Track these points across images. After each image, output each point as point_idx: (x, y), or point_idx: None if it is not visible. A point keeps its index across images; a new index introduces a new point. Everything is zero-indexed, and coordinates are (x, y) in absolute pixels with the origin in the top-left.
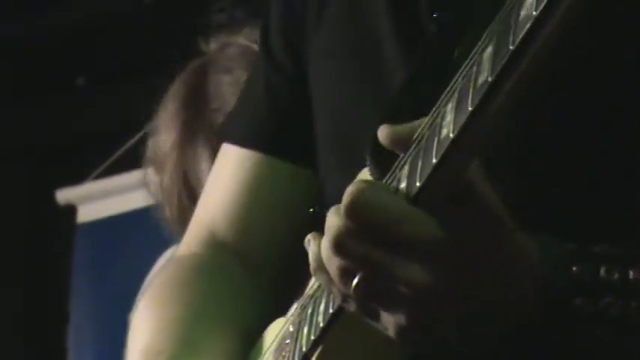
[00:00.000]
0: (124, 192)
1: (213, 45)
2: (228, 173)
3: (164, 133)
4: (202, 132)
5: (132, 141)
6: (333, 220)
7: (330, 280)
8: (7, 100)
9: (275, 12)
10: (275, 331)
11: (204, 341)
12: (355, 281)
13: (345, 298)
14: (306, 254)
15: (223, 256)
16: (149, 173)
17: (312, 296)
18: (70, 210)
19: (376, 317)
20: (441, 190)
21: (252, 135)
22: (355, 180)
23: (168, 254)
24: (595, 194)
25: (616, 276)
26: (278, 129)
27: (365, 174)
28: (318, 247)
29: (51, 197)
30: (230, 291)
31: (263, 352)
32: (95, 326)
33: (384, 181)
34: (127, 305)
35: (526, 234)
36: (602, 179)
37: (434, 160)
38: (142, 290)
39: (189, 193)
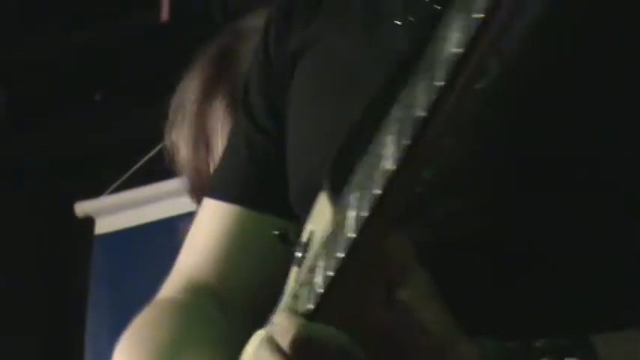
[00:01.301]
0: (140, 205)
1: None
2: (211, 223)
3: (186, 88)
4: (222, 91)
5: (148, 155)
6: (263, 354)
7: None
8: (28, 115)
9: (254, 68)
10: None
11: None
12: None
13: None
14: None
15: (200, 297)
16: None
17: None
18: (88, 222)
19: None
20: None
21: (234, 190)
22: (279, 313)
23: None
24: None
25: None
26: (258, 184)
27: (323, 199)
28: None
29: (69, 210)
30: (207, 327)
31: None
32: (111, 335)
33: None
34: None
35: (465, 340)
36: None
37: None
38: None
39: (206, 147)
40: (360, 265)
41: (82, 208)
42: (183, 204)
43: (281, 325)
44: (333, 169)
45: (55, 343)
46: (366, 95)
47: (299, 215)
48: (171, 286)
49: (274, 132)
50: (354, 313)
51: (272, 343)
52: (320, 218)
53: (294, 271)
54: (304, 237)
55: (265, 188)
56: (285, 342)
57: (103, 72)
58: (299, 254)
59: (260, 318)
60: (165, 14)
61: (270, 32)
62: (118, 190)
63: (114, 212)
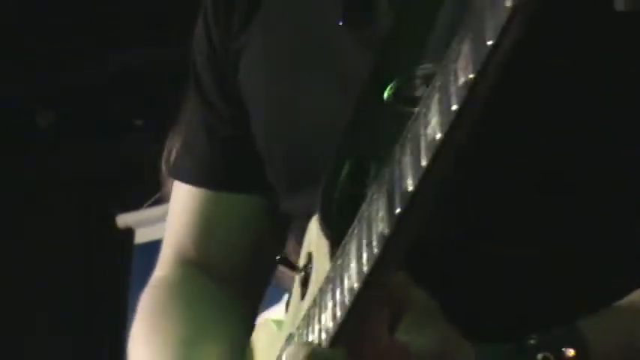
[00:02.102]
0: None
1: None
2: (184, 204)
3: None
4: None
5: None
6: None
7: None
8: (75, 138)
9: (198, 49)
10: (263, 335)
11: (198, 355)
12: None
13: None
14: (262, 261)
15: (190, 271)
16: None
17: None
18: (129, 233)
19: None
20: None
21: (197, 173)
22: (293, 344)
23: None
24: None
25: (554, 356)
26: (219, 166)
27: (314, 223)
28: None
29: (112, 222)
30: (203, 298)
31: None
32: None
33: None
34: None
35: (466, 346)
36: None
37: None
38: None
39: None
40: (364, 305)
41: (123, 220)
42: None
43: (289, 352)
44: (322, 204)
45: (98, 343)
46: (331, 91)
47: (277, 188)
48: (164, 263)
49: (225, 110)
50: (362, 344)
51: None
52: (316, 246)
53: (296, 294)
54: (302, 260)
55: (226, 169)
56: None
57: (142, 98)
58: (301, 274)
59: (241, 280)
60: None
61: (208, 17)
62: (155, 203)
63: (152, 224)
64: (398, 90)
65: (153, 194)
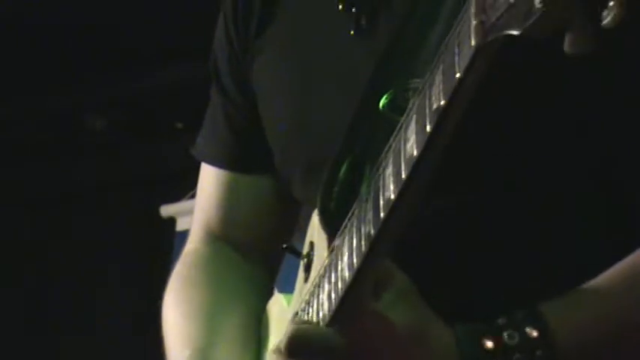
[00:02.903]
0: None
1: None
2: (210, 184)
3: None
4: None
5: None
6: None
7: None
8: (124, 141)
9: (218, 45)
10: (276, 308)
11: (221, 324)
12: None
13: None
14: (278, 235)
15: (217, 243)
16: None
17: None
18: (171, 222)
19: None
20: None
21: (220, 157)
22: (290, 324)
23: None
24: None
25: (517, 337)
26: (238, 150)
27: (315, 219)
28: None
29: (156, 212)
30: (228, 269)
31: (269, 326)
32: None
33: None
34: None
35: (441, 326)
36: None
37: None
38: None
39: None
40: (354, 291)
41: (166, 210)
42: None
43: (291, 330)
44: (322, 200)
45: (148, 312)
46: (322, 96)
47: (290, 178)
48: (194, 238)
49: (244, 107)
50: (352, 314)
51: (275, 345)
52: (317, 236)
53: (301, 277)
54: (305, 248)
55: (244, 154)
56: (282, 344)
57: (184, 104)
58: (304, 260)
59: (261, 252)
60: None
61: (227, 18)
62: (193, 196)
63: (191, 213)
64: (393, 100)
65: (191, 188)
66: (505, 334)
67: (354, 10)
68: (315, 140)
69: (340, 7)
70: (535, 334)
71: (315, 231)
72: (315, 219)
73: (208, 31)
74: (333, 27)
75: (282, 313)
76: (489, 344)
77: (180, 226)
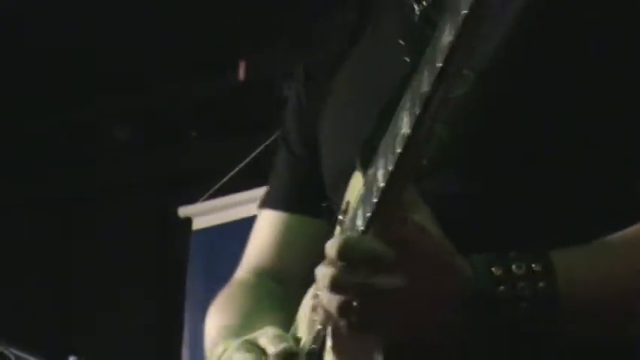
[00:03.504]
0: (224, 209)
1: None
2: (265, 225)
3: None
4: None
5: (229, 175)
6: (324, 270)
7: (329, 315)
8: (146, 148)
9: (290, 111)
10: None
11: (254, 323)
12: (355, 306)
13: (344, 325)
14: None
15: (264, 278)
16: None
17: None
18: (188, 221)
19: (369, 329)
20: (386, 223)
21: (278, 201)
22: (335, 236)
23: None
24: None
25: (523, 268)
26: (297, 195)
27: (356, 175)
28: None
29: (174, 212)
30: (268, 299)
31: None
32: (206, 302)
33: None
34: None
35: (461, 256)
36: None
37: (374, 200)
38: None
39: None
40: (387, 204)
41: (183, 211)
42: (255, 209)
43: (329, 243)
44: (362, 154)
45: (164, 305)
46: (376, 107)
47: (332, 195)
48: (243, 270)
49: (307, 158)
50: (385, 232)
51: (325, 258)
52: (354, 191)
53: (337, 230)
54: (343, 206)
55: (302, 198)
56: (332, 252)
57: (199, 116)
58: (340, 217)
59: (305, 287)
60: (241, 75)
61: (299, 88)
62: (207, 198)
63: (205, 214)
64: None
65: (206, 191)
66: (513, 265)
67: (411, 42)
68: (353, 162)
69: (402, 42)
70: (539, 268)
71: (352, 189)
72: (352, 182)
73: (219, 52)
74: (394, 58)
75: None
76: (498, 272)
77: (196, 225)
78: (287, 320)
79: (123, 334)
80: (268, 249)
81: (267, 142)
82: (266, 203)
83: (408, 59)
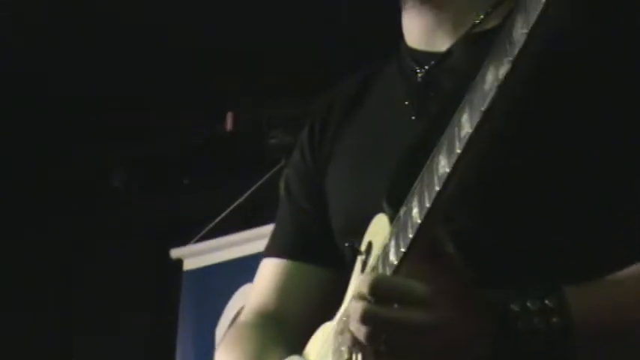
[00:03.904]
0: (212, 251)
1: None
2: (269, 272)
3: None
4: None
5: (218, 219)
6: (356, 304)
7: (358, 343)
8: (140, 194)
9: (293, 167)
10: (318, 337)
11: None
12: (385, 340)
13: (372, 357)
14: (318, 316)
15: (268, 320)
16: None
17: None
18: (179, 262)
19: (396, 359)
20: (418, 260)
21: (285, 250)
22: (365, 272)
23: (240, 292)
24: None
25: (538, 304)
26: (300, 244)
27: (382, 219)
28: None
29: (166, 254)
30: (273, 338)
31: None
32: (195, 341)
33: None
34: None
35: (479, 291)
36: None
37: (410, 236)
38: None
39: None
40: (422, 240)
41: (175, 252)
42: (242, 250)
43: (362, 279)
44: (388, 197)
45: (158, 341)
46: (388, 160)
47: (340, 243)
48: (246, 313)
49: (310, 210)
50: (417, 269)
51: (356, 292)
52: (377, 233)
53: (357, 271)
54: (363, 246)
55: (304, 247)
56: (364, 287)
57: (190, 164)
58: (362, 257)
59: (308, 332)
60: (229, 125)
61: (304, 146)
62: (198, 241)
63: (196, 256)
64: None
65: (196, 234)
66: (529, 302)
67: (417, 102)
68: (372, 209)
69: (407, 102)
70: (552, 304)
71: (373, 231)
72: (374, 222)
73: (208, 106)
74: (402, 118)
75: (328, 331)
76: (516, 308)
77: (186, 266)
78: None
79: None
80: (271, 293)
81: (252, 189)
82: (269, 251)
83: (414, 117)
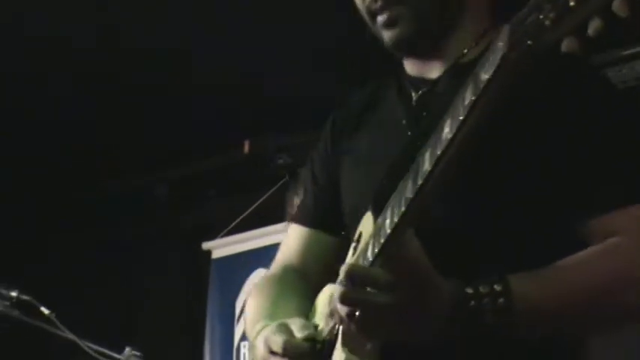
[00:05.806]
0: (235, 244)
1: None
2: (294, 237)
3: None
4: None
5: (237, 220)
6: (338, 288)
7: (341, 318)
8: (179, 202)
9: (317, 154)
10: (323, 295)
11: (283, 306)
12: (357, 316)
13: (351, 327)
14: (332, 275)
15: (290, 272)
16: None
17: None
18: (208, 253)
19: (370, 333)
20: (390, 256)
21: (306, 219)
22: (345, 264)
23: (254, 275)
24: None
25: (487, 288)
26: (319, 215)
27: (368, 215)
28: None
29: (199, 246)
30: (292, 288)
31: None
32: (222, 318)
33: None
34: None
35: (440, 277)
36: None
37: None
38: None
39: None
40: (391, 244)
41: (205, 245)
42: (256, 244)
43: (342, 269)
44: (374, 202)
45: (192, 320)
46: (385, 167)
47: (348, 224)
48: (273, 267)
49: (328, 188)
50: (387, 263)
51: (339, 279)
52: (366, 226)
53: (350, 255)
54: (356, 235)
55: (322, 218)
56: (343, 275)
57: (215, 179)
58: (354, 244)
59: (321, 286)
60: (246, 149)
61: (327, 136)
62: (223, 236)
63: (222, 247)
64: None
65: (221, 231)
66: (481, 287)
67: (412, 120)
68: (366, 207)
69: (404, 121)
70: (499, 287)
71: (363, 224)
72: (364, 218)
73: (229, 135)
74: (399, 132)
75: (327, 296)
76: (470, 291)
77: (214, 255)
78: (306, 305)
79: (160, 334)
80: (294, 252)
81: (263, 198)
82: (294, 219)
83: (409, 133)
